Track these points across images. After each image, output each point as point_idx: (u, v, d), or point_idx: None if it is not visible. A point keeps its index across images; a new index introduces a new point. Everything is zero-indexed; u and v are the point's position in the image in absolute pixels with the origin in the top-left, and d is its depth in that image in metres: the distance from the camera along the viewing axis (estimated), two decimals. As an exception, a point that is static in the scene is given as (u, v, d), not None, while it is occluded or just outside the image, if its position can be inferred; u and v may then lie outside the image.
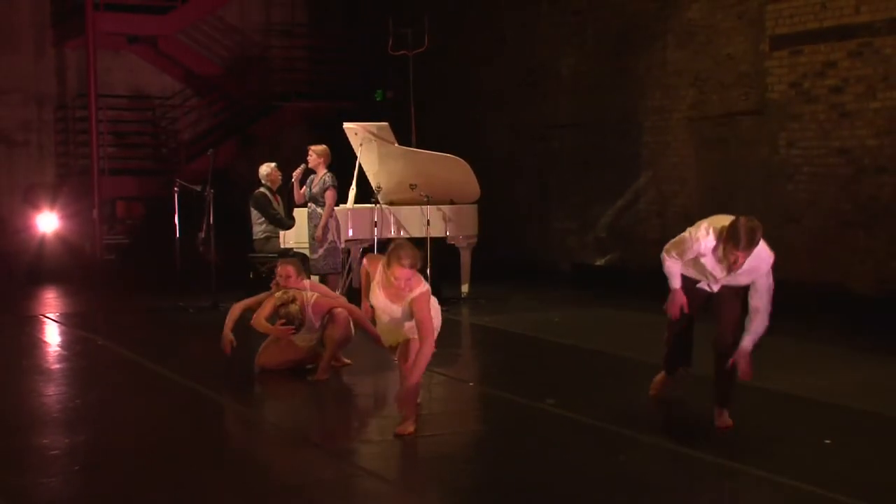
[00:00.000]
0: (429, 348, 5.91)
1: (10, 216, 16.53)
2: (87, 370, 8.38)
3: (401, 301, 6.04)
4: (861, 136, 10.54)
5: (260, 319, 7.88)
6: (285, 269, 8.00)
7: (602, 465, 5.58)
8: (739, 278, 6.11)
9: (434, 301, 6.22)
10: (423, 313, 5.96)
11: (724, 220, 6.04)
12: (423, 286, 6.02)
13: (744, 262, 5.92)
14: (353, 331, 7.91)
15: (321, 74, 18.50)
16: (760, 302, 6.08)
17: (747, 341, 6.06)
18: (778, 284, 6.18)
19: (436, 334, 6.09)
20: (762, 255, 6.00)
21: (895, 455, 5.78)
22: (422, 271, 11.37)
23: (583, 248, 14.21)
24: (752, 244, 5.83)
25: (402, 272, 5.90)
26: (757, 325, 6.09)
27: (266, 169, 11.72)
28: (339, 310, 7.85)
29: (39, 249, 16.10)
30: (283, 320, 7.84)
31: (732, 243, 5.85)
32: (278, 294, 7.85)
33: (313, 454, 6.00)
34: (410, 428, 5.94)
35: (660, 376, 6.90)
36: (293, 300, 7.75)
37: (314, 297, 7.85)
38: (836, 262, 10.79)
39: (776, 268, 6.14)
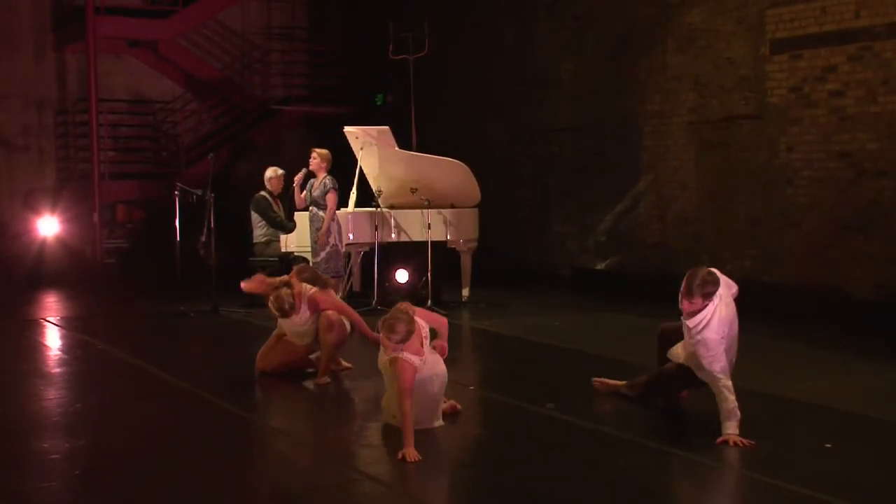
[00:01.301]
0: (403, 412, 5.83)
1: (10, 220, 16.55)
2: (87, 374, 8.38)
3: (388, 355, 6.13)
4: (861, 140, 10.55)
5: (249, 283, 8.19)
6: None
7: (602, 470, 5.58)
8: (690, 337, 6.18)
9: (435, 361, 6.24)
10: (403, 374, 5.93)
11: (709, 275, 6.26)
12: (412, 356, 6.00)
13: (687, 309, 6.14)
14: (348, 330, 7.91)
15: (321, 78, 18.51)
16: (707, 378, 6.09)
17: (727, 426, 5.92)
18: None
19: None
20: (705, 324, 6.08)
21: (895, 459, 5.79)
22: (422, 275, 11.49)
23: (583, 253, 14.22)
24: (699, 290, 6.08)
25: (391, 346, 6.00)
26: (722, 407, 5.98)
27: (270, 174, 11.74)
28: (332, 312, 7.83)
29: (40, 253, 16.10)
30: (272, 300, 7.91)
31: (684, 286, 6.15)
32: (277, 280, 8.00)
33: (313, 458, 6.00)
34: (413, 453, 5.70)
35: (622, 384, 7.10)
36: (287, 284, 7.83)
37: (312, 290, 7.87)
38: (836, 267, 10.79)
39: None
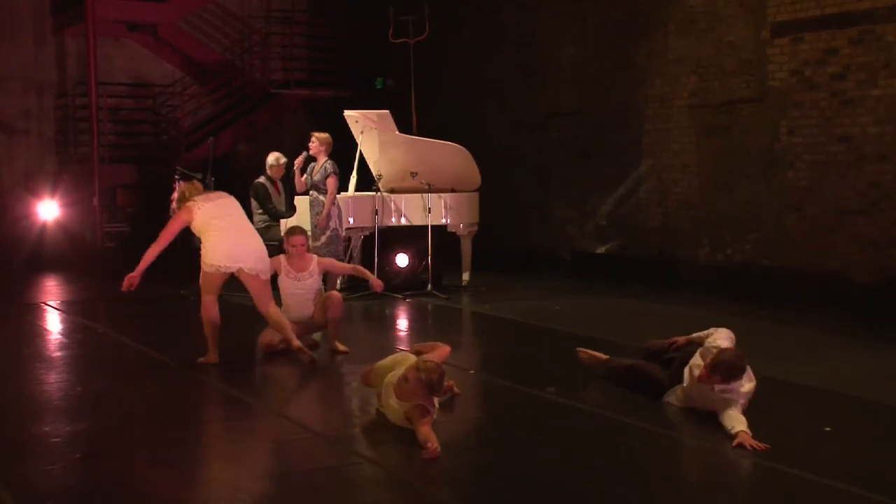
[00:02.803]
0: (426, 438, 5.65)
1: (10, 204, 16.53)
2: (88, 358, 8.39)
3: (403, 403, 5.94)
4: (862, 123, 10.53)
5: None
6: (297, 238, 8.26)
7: (602, 454, 5.59)
8: (710, 399, 6.10)
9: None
10: (423, 422, 5.68)
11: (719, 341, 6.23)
12: (433, 409, 5.84)
13: (706, 383, 6.00)
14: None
15: (322, 62, 18.46)
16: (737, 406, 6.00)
17: (738, 424, 5.75)
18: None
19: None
20: (732, 391, 5.98)
21: (895, 443, 5.80)
22: (422, 259, 11.48)
23: (583, 237, 14.21)
24: (727, 375, 5.93)
25: (415, 390, 5.79)
26: (737, 415, 5.89)
27: (272, 160, 11.73)
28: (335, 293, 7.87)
29: (40, 237, 16.10)
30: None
31: (710, 361, 5.98)
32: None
33: (314, 441, 6.01)
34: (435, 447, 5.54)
35: (607, 358, 7.20)
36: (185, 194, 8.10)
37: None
38: (836, 250, 10.79)
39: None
